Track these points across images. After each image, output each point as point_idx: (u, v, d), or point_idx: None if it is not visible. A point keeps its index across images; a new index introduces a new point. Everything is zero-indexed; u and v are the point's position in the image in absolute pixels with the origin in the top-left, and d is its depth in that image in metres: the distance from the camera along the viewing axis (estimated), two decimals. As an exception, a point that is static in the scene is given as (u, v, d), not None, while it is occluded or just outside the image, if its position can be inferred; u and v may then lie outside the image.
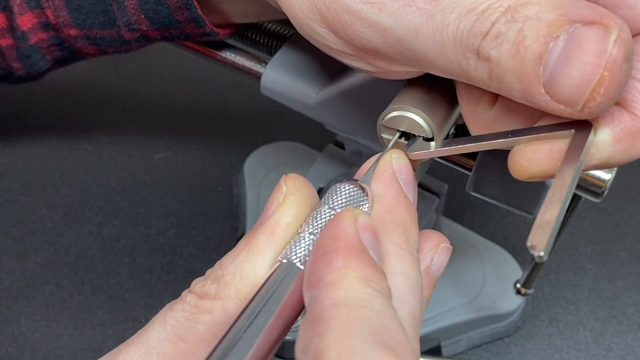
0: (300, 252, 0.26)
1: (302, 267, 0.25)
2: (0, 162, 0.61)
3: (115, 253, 0.56)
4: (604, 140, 0.26)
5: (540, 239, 0.22)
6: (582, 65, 0.23)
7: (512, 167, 0.26)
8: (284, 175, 0.28)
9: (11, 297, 0.53)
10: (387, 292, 0.23)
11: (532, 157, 0.26)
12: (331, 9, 0.27)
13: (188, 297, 0.26)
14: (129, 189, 0.60)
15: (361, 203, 0.27)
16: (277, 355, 0.47)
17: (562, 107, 0.24)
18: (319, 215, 0.27)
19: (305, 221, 0.27)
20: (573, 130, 0.25)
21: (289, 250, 0.26)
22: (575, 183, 0.24)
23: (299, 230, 0.26)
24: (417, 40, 0.26)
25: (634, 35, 0.27)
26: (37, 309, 0.53)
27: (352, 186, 0.27)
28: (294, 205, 0.27)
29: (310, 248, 0.26)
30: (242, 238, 0.27)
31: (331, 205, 0.27)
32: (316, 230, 0.26)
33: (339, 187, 0.27)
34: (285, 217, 0.26)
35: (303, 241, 0.26)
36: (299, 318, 0.45)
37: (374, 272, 0.23)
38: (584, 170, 0.26)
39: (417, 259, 0.26)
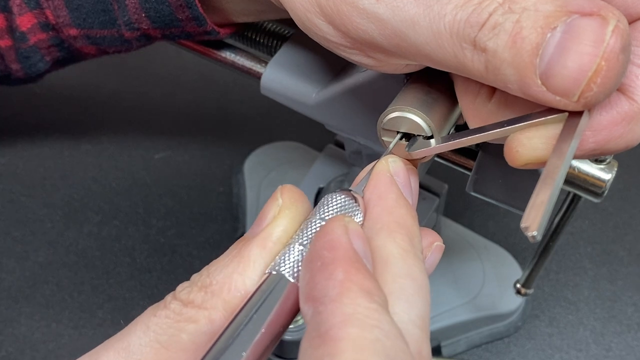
0: (290, 264, 0.25)
1: (291, 280, 0.25)
2: (0, 162, 0.61)
3: (115, 253, 0.56)
4: (599, 123, 0.25)
5: (533, 219, 0.22)
6: (579, 56, 0.23)
7: (508, 154, 0.26)
8: (280, 186, 0.28)
9: (11, 297, 0.53)
10: (386, 303, 0.23)
11: (528, 143, 0.26)
12: (330, 0, 0.27)
13: (172, 304, 0.26)
14: (129, 189, 0.60)
15: (353, 213, 0.27)
16: (277, 355, 0.47)
17: (558, 98, 0.24)
18: (310, 226, 0.26)
19: (296, 232, 0.27)
20: (567, 113, 0.25)
21: (278, 261, 0.26)
22: (569, 164, 0.24)
23: (289, 242, 0.26)
24: (414, 32, 0.25)
25: (633, 21, 0.26)
26: (37, 309, 0.53)
27: (343, 196, 0.27)
28: (288, 219, 0.27)
29: (300, 259, 0.25)
30: (233, 246, 0.27)
31: (322, 216, 0.26)
32: (306, 242, 0.26)
33: (331, 198, 0.27)
34: (279, 230, 0.26)
35: (293, 252, 0.26)
36: (298, 320, 0.45)
37: (374, 283, 0.23)
38: (579, 156, 0.26)
39: (421, 261, 0.26)
